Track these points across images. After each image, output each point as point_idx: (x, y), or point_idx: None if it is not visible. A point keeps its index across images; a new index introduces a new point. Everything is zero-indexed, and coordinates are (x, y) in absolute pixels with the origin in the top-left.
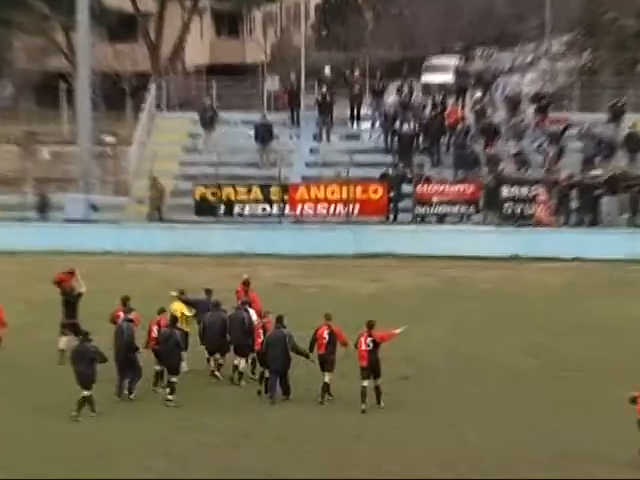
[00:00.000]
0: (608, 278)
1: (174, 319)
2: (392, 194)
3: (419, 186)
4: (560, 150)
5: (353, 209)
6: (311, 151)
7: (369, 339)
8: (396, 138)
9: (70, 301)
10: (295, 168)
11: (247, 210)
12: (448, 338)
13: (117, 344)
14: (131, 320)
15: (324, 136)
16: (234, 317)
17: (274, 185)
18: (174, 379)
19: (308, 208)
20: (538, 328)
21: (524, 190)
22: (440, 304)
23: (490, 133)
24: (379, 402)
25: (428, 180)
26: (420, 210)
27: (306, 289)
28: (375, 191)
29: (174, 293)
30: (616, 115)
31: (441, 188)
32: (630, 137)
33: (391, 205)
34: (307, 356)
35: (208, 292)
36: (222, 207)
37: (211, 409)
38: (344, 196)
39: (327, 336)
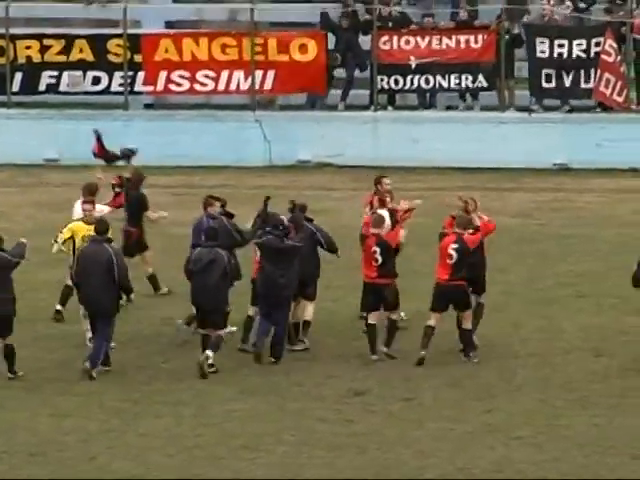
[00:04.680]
0: None
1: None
2: (336, 54)
3: (384, 37)
4: None
5: (264, 81)
6: None
7: (453, 246)
8: None
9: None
10: (154, 2)
11: (65, 83)
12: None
13: None
14: None
15: None
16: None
17: (114, 36)
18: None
19: (178, 79)
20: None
21: (579, 44)
22: (429, 254)
23: None
24: (467, 353)
25: (400, 23)
26: (386, 83)
27: (175, 228)
28: (302, 47)
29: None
30: None
31: (425, 41)
32: None
33: (331, 72)
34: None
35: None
36: (17, 77)
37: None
38: (246, 56)
39: (377, 248)
